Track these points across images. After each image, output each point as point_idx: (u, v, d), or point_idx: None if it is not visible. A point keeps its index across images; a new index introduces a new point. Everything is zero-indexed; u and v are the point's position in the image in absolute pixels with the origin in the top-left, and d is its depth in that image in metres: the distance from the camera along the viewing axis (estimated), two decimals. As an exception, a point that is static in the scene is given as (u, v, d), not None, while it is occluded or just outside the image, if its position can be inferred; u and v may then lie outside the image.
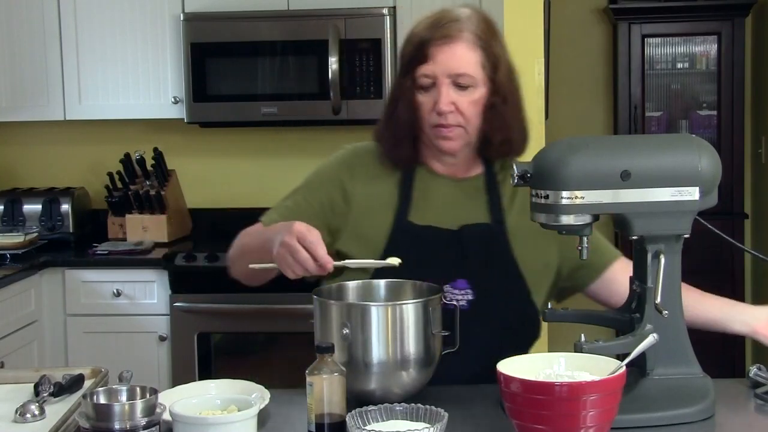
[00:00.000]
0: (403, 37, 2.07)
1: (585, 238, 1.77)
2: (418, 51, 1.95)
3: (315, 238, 1.79)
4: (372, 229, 2.01)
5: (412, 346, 1.77)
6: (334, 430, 1.61)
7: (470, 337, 1.88)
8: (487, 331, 1.94)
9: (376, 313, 1.76)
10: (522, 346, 1.96)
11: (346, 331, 1.75)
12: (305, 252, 1.77)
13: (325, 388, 1.60)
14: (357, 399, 1.72)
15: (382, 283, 1.93)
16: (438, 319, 1.81)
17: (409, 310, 1.77)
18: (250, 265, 1.91)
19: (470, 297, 1.95)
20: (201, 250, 3.83)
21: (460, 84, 1.94)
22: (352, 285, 1.93)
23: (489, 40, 1.96)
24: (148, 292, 3.82)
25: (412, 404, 1.62)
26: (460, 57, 1.93)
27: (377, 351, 1.75)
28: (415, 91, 1.97)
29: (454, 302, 1.87)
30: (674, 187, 1.71)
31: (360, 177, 2.06)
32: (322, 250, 1.79)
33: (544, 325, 2.05)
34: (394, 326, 1.76)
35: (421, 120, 1.98)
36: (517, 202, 2.04)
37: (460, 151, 2.01)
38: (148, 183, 4.19)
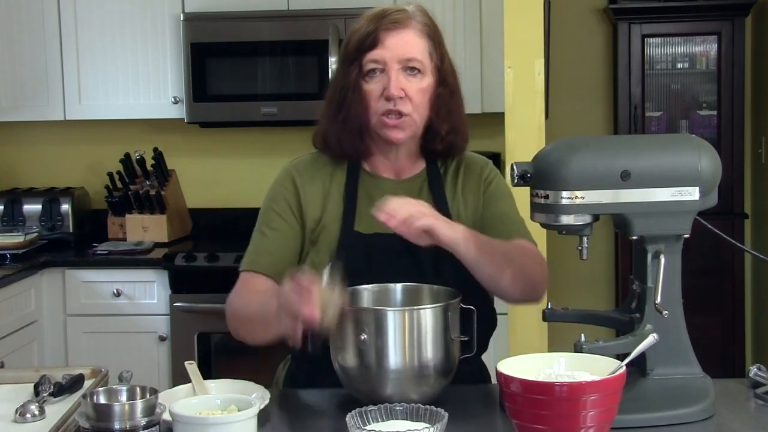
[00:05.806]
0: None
1: (585, 239, 1.77)
2: (366, 38, 1.94)
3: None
4: (323, 241, 1.99)
5: (430, 352, 1.73)
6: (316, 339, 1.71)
7: None
8: None
9: (393, 319, 1.72)
10: (480, 343, 1.90)
11: (363, 336, 1.71)
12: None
13: (325, 298, 1.63)
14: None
15: (398, 288, 1.90)
16: (456, 324, 1.78)
17: (428, 315, 1.74)
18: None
19: None
20: (201, 250, 3.83)
21: (410, 68, 1.94)
22: (367, 289, 1.89)
23: (435, 32, 1.99)
24: (148, 292, 3.82)
25: (412, 404, 1.62)
26: (410, 42, 1.94)
27: (394, 358, 1.71)
28: (360, 80, 1.95)
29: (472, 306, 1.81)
30: (674, 187, 1.71)
31: (305, 192, 2.02)
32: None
33: (544, 325, 2.02)
34: (411, 332, 1.72)
35: (369, 109, 1.95)
36: (459, 197, 2.03)
37: (406, 142, 1.99)
38: (148, 183, 4.19)
